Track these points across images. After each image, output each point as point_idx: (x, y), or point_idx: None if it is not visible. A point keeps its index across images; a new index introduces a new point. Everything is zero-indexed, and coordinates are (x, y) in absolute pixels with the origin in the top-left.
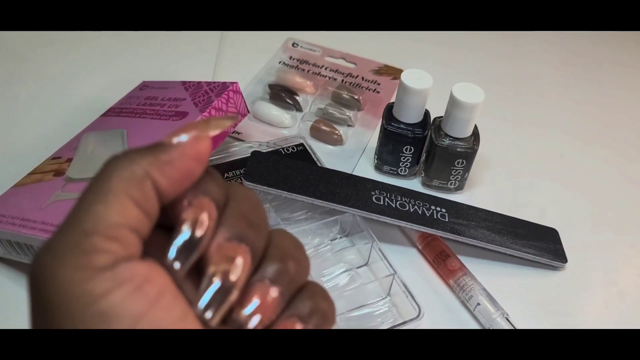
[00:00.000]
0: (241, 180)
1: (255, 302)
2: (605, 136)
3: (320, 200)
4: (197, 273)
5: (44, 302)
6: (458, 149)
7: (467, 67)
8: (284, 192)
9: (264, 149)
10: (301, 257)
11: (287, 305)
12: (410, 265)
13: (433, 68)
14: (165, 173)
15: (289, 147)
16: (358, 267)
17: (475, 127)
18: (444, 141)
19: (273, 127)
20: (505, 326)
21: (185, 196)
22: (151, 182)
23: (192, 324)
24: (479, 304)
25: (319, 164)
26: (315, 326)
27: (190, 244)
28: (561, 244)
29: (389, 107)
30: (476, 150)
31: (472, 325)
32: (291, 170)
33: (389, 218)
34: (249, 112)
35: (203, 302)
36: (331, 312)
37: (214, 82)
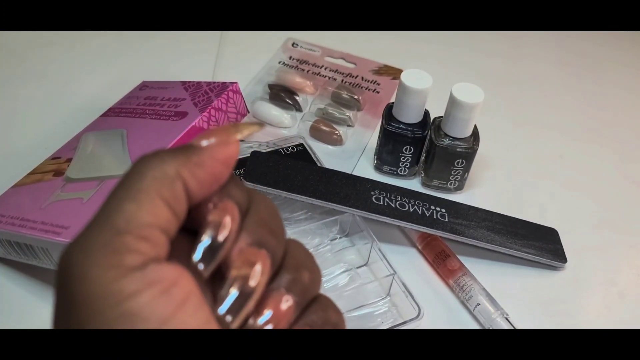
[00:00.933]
0: (241, 180)
1: (270, 310)
2: (605, 136)
3: (320, 200)
4: (213, 277)
5: (71, 298)
6: (458, 149)
7: (466, 67)
8: (284, 192)
9: (263, 149)
10: (314, 268)
11: (300, 314)
12: (410, 265)
13: (433, 68)
14: (195, 175)
15: (288, 147)
16: (358, 267)
17: (475, 127)
18: (443, 141)
19: (273, 127)
20: (505, 326)
21: (210, 199)
22: (182, 183)
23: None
24: (478, 304)
25: (318, 164)
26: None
27: (215, 247)
28: (561, 244)
29: (389, 107)
30: (476, 150)
31: (472, 325)
32: (291, 170)
33: (388, 218)
34: (248, 112)
35: (225, 306)
36: (341, 324)
37: (214, 82)
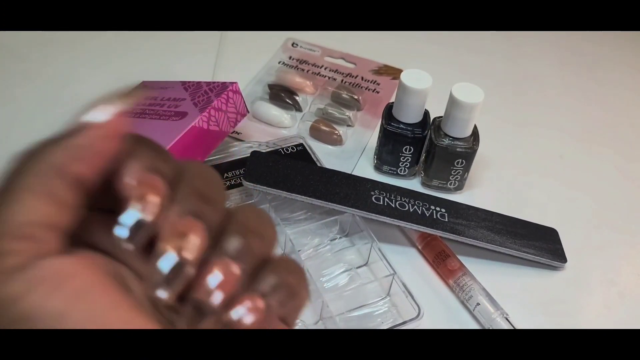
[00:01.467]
0: (241, 180)
1: (212, 279)
2: (605, 136)
3: (320, 200)
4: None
5: None
6: (458, 149)
7: (466, 67)
8: (284, 192)
9: (263, 149)
10: (265, 230)
11: (250, 281)
12: (410, 265)
13: (433, 68)
14: (79, 158)
15: (288, 147)
16: (358, 267)
17: (475, 127)
18: (443, 141)
19: (272, 127)
20: (505, 326)
21: (127, 174)
22: (66, 172)
23: (126, 313)
24: (478, 304)
25: (318, 164)
26: (280, 302)
27: (138, 221)
28: (561, 244)
29: (389, 107)
30: (476, 150)
31: (472, 325)
32: (291, 170)
33: (388, 218)
34: (248, 112)
35: (155, 280)
36: (300, 286)
37: (214, 82)
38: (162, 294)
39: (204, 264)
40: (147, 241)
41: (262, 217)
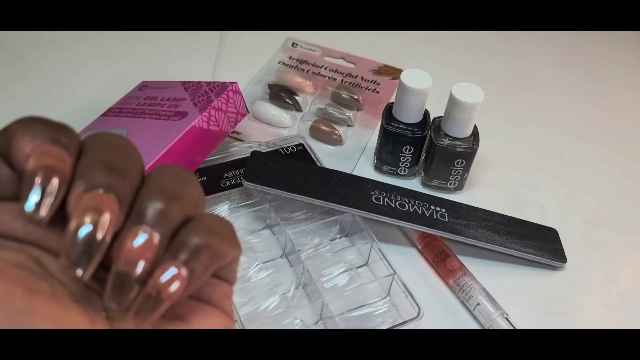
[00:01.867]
0: (241, 180)
1: (130, 248)
2: (604, 135)
3: (320, 200)
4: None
5: None
6: (458, 149)
7: (466, 67)
8: (284, 192)
9: (263, 149)
10: (183, 190)
11: (169, 246)
12: (410, 265)
13: (432, 68)
14: None
15: (288, 147)
16: (358, 267)
17: (475, 127)
18: (443, 141)
19: (273, 127)
20: (505, 326)
21: (25, 146)
22: None
23: (20, 300)
24: (478, 303)
25: (318, 164)
26: (204, 265)
27: (44, 192)
28: (561, 244)
29: (389, 107)
30: (476, 150)
31: (472, 325)
32: (291, 170)
33: (388, 218)
34: (248, 112)
35: (69, 258)
36: (225, 246)
37: (214, 82)
38: (79, 272)
39: (121, 234)
40: (65, 217)
41: (180, 177)
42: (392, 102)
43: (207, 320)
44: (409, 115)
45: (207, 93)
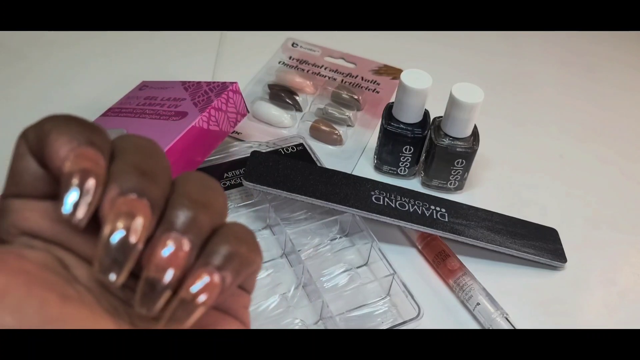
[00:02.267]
0: (241, 180)
1: (162, 255)
2: (604, 135)
3: (320, 200)
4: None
5: None
6: (458, 149)
7: (466, 67)
8: (284, 192)
9: (263, 149)
10: (212, 198)
11: (201, 254)
12: (410, 265)
13: (432, 68)
14: None
15: (288, 147)
16: (358, 267)
17: (475, 127)
18: (443, 141)
19: (273, 127)
20: (505, 326)
21: (61, 148)
22: None
23: (56, 307)
24: (478, 303)
25: (318, 164)
26: (234, 272)
27: (83, 196)
28: (561, 244)
29: (389, 107)
30: (476, 150)
31: (472, 325)
32: (291, 170)
33: (388, 218)
34: (248, 112)
35: (102, 263)
36: (253, 254)
37: (214, 82)
38: (112, 277)
39: (152, 241)
40: (94, 221)
41: (208, 185)
42: (392, 102)
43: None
44: (409, 115)
45: (207, 93)
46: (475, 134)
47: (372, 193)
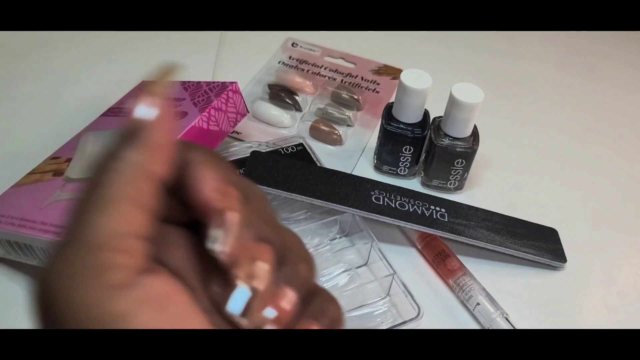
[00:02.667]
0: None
1: (276, 304)
2: (604, 135)
3: (320, 200)
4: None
5: (58, 324)
6: (457, 149)
7: (466, 67)
8: (284, 192)
9: (263, 149)
10: (309, 257)
11: (302, 307)
12: (410, 265)
13: (432, 68)
14: (157, 157)
15: (288, 147)
16: (357, 267)
17: (475, 127)
18: (443, 141)
19: (272, 127)
20: (505, 326)
21: (207, 182)
22: (147, 175)
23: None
24: (478, 303)
25: (318, 164)
26: (328, 328)
27: (226, 234)
28: (560, 244)
29: (389, 107)
30: (476, 150)
31: (472, 325)
32: (291, 170)
33: (388, 218)
34: (248, 112)
35: (234, 306)
36: (341, 316)
37: (214, 82)
38: (244, 322)
39: (275, 291)
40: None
41: (303, 242)
42: (392, 102)
43: None
44: (409, 115)
45: (206, 93)
46: (475, 134)
47: (372, 193)
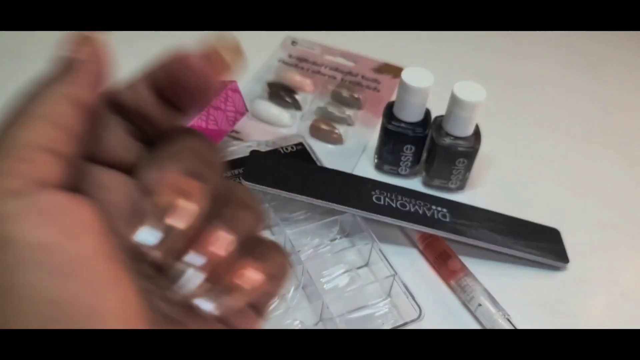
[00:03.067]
0: (240, 180)
1: (210, 244)
2: (607, 135)
3: (320, 200)
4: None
5: None
6: (459, 148)
7: (468, 65)
8: (283, 191)
9: (263, 149)
10: (257, 207)
11: (242, 253)
12: (411, 266)
13: (434, 66)
14: (74, 82)
15: (288, 146)
16: (358, 268)
17: (477, 126)
18: (445, 140)
19: (272, 126)
20: (507, 327)
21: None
22: (66, 97)
23: (107, 264)
24: (480, 304)
25: (318, 164)
26: (272, 275)
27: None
28: (563, 244)
29: (390, 106)
30: (477, 149)
31: (473, 326)
32: (290, 169)
33: (389, 218)
34: (247, 110)
35: (144, 237)
36: (287, 265)
37: None
38: (155, 253)
39: (201, 229)
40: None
41: (253, 195)
42: (393, 101)
43: None
44: (410, 114)
45: None
46: (477, 133)
47: (373, 193)
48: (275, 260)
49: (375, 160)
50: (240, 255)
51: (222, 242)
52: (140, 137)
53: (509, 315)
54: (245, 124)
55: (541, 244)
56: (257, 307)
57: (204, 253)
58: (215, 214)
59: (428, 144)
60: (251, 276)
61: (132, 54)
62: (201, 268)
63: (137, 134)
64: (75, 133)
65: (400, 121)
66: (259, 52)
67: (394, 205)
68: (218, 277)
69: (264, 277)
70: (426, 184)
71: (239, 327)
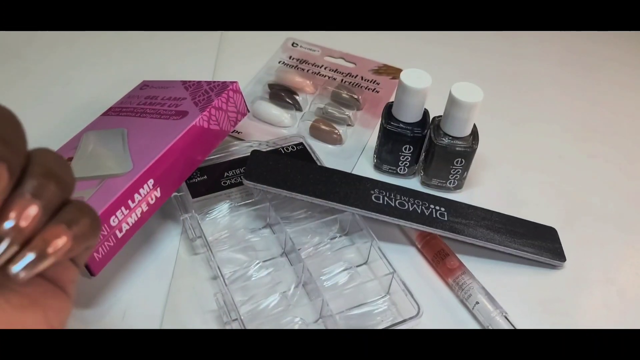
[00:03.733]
0: (241, 179)
1: (15, 214)
2: (604, 135)
3: (320, 199)
4: None
5: None
6: (457, 148)
7: (466, 66)
8: (284, 191)
9: (263, 148)
10: (64, 174)
11: (50, 217)
12: (410, 264)
13: (432, 67)
14: None
15: (288, 146)
16: (357, 266)
17: (474, 126)
18: (443, 140)
19: (273, 127)
20: (504, 325)
21: None
22: None
23: None
24: (477, 302)
25: (318, 163)
26: (79, 236)
27: None
28: (560, 243)
29: (388, 107)
30: (475, 149)
31: (471, 323)
32: (291, 169)
33: (388, 217)
34: (248, 111)
35: None
36: (94, 230)
37: (214, 82)
38: None
39: (6, 203)
40: None
41: (60, 160)
42: (392, 102)
43: (53, 301)
44: (409, 115)
45: (207, 92)
46: (474, 133)
47: (372, 192)
48: (82, 222)
49: (375, 160)
50: (47, 221)
51: (26, 210)
52: None
53: (506, 313)
54: (246, 125)
55: (538, 243)
56: (75, 260)
57: (9, 222)
58: (21, 184)
59: (426, 144)
60: (56, 241)
61: (132, 54)
62: (7, 235)
63: None
64: None
65: (399, 122)
66: (259, 53)
67: (392, 204)
68: (25, 243)
69: (70, 239)
70: (424, 183)
71: (64, 280)
